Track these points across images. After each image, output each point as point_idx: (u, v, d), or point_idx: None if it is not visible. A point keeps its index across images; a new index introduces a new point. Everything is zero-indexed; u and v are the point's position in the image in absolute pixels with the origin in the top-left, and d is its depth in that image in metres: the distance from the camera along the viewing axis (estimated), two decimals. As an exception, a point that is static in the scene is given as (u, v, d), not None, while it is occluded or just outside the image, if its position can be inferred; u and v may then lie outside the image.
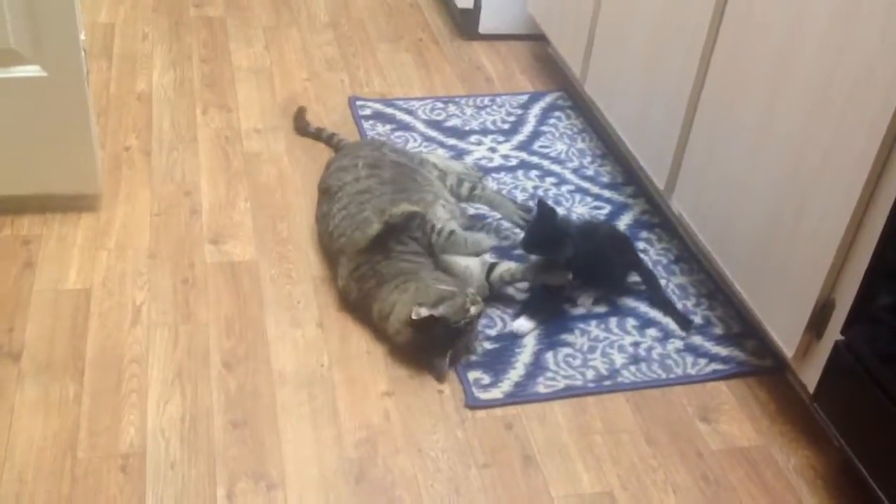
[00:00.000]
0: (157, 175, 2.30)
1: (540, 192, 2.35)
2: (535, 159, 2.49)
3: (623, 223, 2.28)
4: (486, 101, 2.73)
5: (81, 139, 2.06)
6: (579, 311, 2.02)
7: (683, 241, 2.23)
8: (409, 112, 2.64)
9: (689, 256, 2.19)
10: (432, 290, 1.82)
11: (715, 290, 2.09)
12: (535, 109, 2.71)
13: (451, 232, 1.94)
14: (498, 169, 2.44)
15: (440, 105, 2.69)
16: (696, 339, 1.96)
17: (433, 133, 2.56)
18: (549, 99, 2.77)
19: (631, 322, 2.00)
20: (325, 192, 2.11)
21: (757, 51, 1.77)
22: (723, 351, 1.94)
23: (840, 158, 1.56)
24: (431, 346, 1.81)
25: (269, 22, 3.05)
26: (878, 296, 1.52)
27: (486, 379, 1.83)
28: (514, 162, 2.47)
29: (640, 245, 2.21)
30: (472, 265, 1.97)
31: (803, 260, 1.67)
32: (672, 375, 1.88)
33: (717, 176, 1.93)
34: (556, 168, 2.46)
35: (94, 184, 2.13)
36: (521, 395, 1.81)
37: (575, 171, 2.46)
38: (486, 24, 3.03)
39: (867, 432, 1.56)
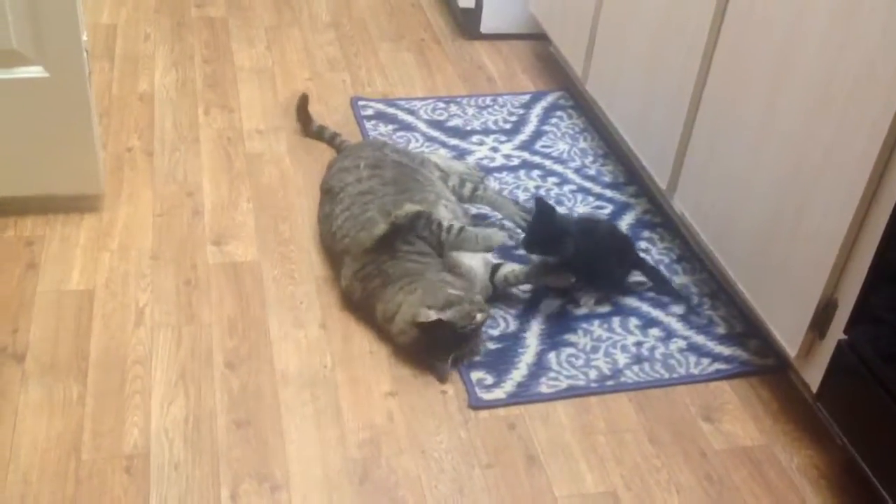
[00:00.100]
0: (159, 176, 2.31)
1: (542, 192, 2.35)
2: (536, 159, 2.49)
3: (625, 223, 2.28)
4: (488, 100, 2.73)
5: (84, 140, 2.06)
6: (582, 311, 2.02)
7: (685, 241, 2.22)
8: (411, 112, 2.64)
9: (692, 256, 2.19)
10: (441, 294, 1.82)
11: (717, 289, 2.09)
12: (537, 109, 2.71)
13: (462, 228, 1.94)
14: (500, 169, 2.44)
15: (442, 105, 2.69)
16: (699, 339, 1.96)
17: (435, 133, 2.56)
18: (550, 98, 2.76)
19: (634, 322, 2.00)
20: (328, 193, 2.11)
21: (758, 49, 1.77)
22: (726, 350, 1.94)
23: (842, 156, 1.56)
24: (435, 349, 1.81)
25: (270, 22, 3.05)
26: (880, 295, 1.51)
27: (489, 379, 1.83)
28: (515, 162, 2.47)
29: (643, 245, 2.21)
30: (475, 266, 1.97)
31: (806, 259, 1.67)
32: (675, 375, 1.88)
33: (718, 175, 1.93)
34: (557, 168, 2.46)
35: (97, 184, 2.13)
36: (524, 396, 1.81)
37: (577, 170, 2.46)
38: (487, 24, 3.03)
39: (870, 431, 1.56)
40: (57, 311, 1.90)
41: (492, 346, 1.91)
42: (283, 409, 1.74)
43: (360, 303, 1.94)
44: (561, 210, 2.28)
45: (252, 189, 2.29)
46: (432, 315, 1.77)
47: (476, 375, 1.84)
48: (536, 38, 3.03)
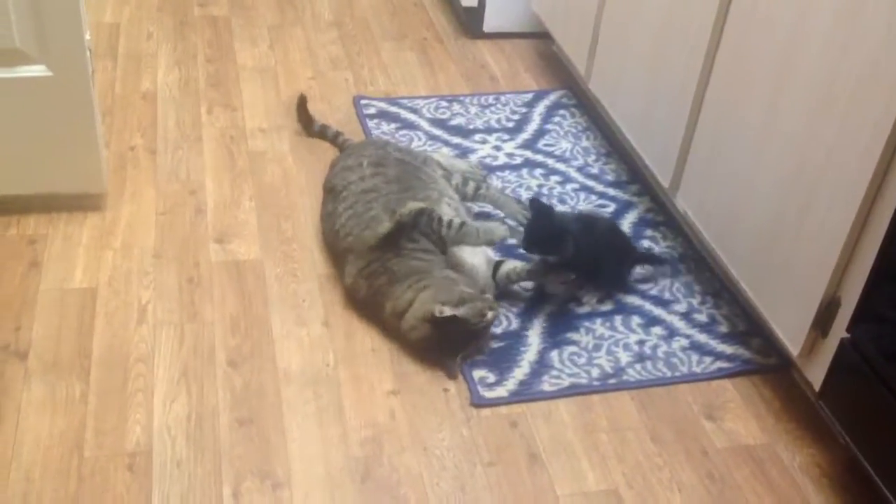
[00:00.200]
0: (162, 174, 2.31)
1: (544, 191, 2.35)
2: (539, 157, 2.49)
3: (628, 221, 2.28)
4: (491, 99, 2.73)
5: (87, 138, 2.06)
6: (584, 309, 2.02)
7: (688, 239, 2.22)
8: (414, 111, 2.64)
9: (694, 254, 2.19)
10: (455, 291, 1.83)
11: (720, 288, 2.09)
12: (540, 108, 2.71)
13: (463, 223, 1.95)
14: (502, 167, 2.44)
15: (444, 104, 2.69)
16: (702, 338, 1.96)
17: (438, 132, 2.56)
18: (553, 97, 2.76)
19: (636, 320, 2.00)
20: (330, 192, 2.11)
21: (761, 48, 1.77)
22: (728, 349, 1.94)
23: (845, 155, 1.56)
24: (445, 345, 1.82)
25: (273, 21, 3.05)
26: (883, 293, 1.51)
27: (492, 377, 1.83)
28: (518, 160, 2.47)
29: (645, 243, 2.21)
30: (478, 263, 1.97)
31: (808, 257, 1.67)
32: (677, 373, 1.88)
33: (721, 173, 1.93)
34: (560, 166, 2.46)
35: (100, 183, 2.14)
36: (526, 394, 1.81)
37: (579, 169, 2.46)
38: (490, 23, 3.02)
39: (873, 430, 1.56)
40: (60, 309, 1.90)
41: (494, 344, 1.91)
42: (285, 407, 1.74)
43: (366, 300, 1.94)
44: (563, 209, 2.28)
45: (255, 188, 2.29)
46: (447, 311, 1.78)
47: (478, 373, 1.84)
48: (539, 36, 3.03)
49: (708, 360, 1.92)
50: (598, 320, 1.99)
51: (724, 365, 1.91)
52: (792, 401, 1.85)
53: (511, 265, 2.00)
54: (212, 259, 2.07)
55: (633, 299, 2.05)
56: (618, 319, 2.00)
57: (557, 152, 2.52)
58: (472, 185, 2.21)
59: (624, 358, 1.90)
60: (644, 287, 2.08)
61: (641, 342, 1.94)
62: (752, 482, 1.69)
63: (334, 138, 2.44)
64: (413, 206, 1.96)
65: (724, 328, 1.99)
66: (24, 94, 1.97)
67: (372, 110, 2.62)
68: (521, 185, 2.37)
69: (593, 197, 2.36)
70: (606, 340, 1.94)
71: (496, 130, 2.59)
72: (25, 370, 1.76)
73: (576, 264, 1.96)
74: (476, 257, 1.98)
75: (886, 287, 1.51)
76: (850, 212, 1.55)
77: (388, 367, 1.85)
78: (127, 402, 1.72)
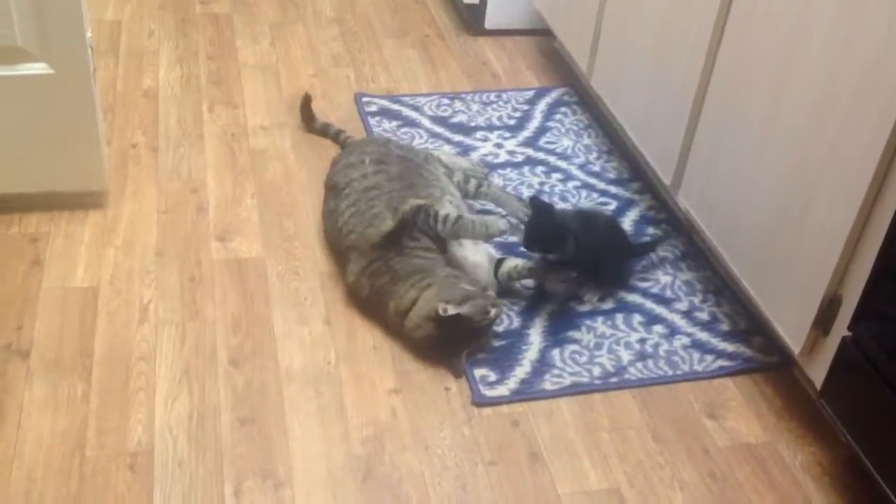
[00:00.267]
0: (163, 172, 2.31)
1: (546, 189, 2.35)
2: (541, 155, 2.49)
3: (629, 219, 2.28)
4: (492, 96, 2.73)
5: (88, 136, 2.06)
6: (585, 307, 2.01)
7: (690, 237, 2.22)
8: (415, 108, 2.64)
9: (696, 252, 2.18)
10: (458, 289, 1.83)
11: (722, 286, 2.09)
12: (542, 105, 2.70)
13: (459, 217, 1.95)
14: (504, 165, 2.43)
15: (446, 101, 2.69)
16: (703, 336, 1.96)
17: (439, 129, 2.56)
18: (555, 94, 2.76)
19: (637, 318, 1.99)
20: (332, 189, 2.11)
21: (763, 45, 1.77)
22: (729, 347, 1.94)
23: (847, 152, 1.55)
24: (450, 343, 1.82)
25: (275, 18, 3.05)
26: (884, 291, 1.51)
27: (493, 376, 1.83)
28: (520, 158, 2.47)
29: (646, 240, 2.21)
30: (480, 261, 1.97)
31: (810, 255, 1.66)
32: (679, 372, 1.88)
33: (723, 171, 1.93)
34: (562, 164, 2.46)
35: (101, 181, 2.14)
36: (527, 393, 1.81)
37: (581, 166, 2.46)
38: (491, 20, 3.02)
39: (874, 428, 1.55)
40: (61, 308, 1.90)
41: (495, 342, 1.91)
42: (286, 405, 1.74)
43: (369, 298, 1.94)
44: (565, 207, 2.28)
45: (256, 185, 2.29)
46: (451, 309, 1.78)
47: (479, 372, 1.84)
48: (541, 34, 3.02)
49: (709, 358, 1.91)
50: (600, 319, 1.99)
51: (726, 363, 1.91)
52: (793, 399, 1.85)
53: (512, 263, 2.00)
54: (213, 257, 2.07)
55: (634, 297, 2.05)
56: (619, 318, 2.00)
57: (559, 150, 2.52)
58: (473, 182, 2.20)
59: (625, 356, 1.90)
60: (645, 284, 2.08)
61: (643, 340, 1.94)
62: (754, 481, 1.69)
63: (335, 136, 2.44)
64: (413, 202, 1.96)
65: (725, 326, 1.99)
66: (26, 92, 1.97)
67: (373, 108, 2.62)
68: (522, 183, 2.37)
69: (595, 195, 2.36)
70: (608, 339, 1.94)
71: (497, 128, 2.59)
72: (27, 369, 1.76)
73: (576, 262, 1.96)
74: (478, 255, 1.98)
75: (888, 285, 1.50)
76: (852, 209, 1.54)
77: (390, 366, 1.85)
78: (128, 401, 1.72)
